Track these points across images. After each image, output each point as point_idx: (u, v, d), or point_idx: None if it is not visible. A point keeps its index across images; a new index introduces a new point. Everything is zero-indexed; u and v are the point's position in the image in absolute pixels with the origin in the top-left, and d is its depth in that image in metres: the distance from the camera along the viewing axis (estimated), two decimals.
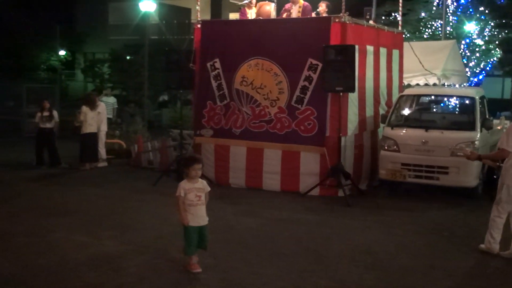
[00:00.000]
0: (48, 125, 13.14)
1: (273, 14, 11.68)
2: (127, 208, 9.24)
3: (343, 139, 10.29)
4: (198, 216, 6.22)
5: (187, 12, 32.48)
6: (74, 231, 7.73)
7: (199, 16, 12.20)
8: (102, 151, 13.56)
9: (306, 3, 11.45)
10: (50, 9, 30.61)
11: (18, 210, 8.90)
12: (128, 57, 27.65)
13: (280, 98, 10.73)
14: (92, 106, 13.03)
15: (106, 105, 15.39)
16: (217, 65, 11.25)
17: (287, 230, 8.09)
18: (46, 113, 13.11)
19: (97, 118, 13.13)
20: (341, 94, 10.11)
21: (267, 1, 11.78)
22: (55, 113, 13.39)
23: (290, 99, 10.62)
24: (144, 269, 6.27)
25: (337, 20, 10.25)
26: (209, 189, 6.31)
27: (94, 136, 13.04)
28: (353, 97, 10.52)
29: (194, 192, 6.20)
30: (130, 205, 9.47)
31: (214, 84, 11.30)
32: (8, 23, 27.88)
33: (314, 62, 10.34)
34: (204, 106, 11.44)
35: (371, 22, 11.94)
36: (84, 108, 12.89)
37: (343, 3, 10.39)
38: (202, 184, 6.31)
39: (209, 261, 6.55)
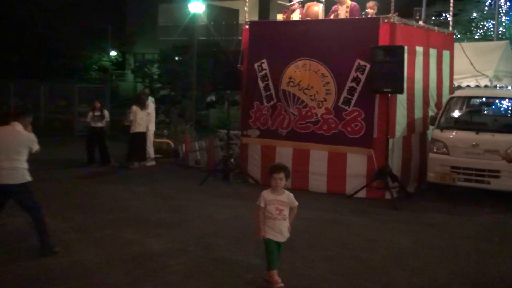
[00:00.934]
0: (99, 124, 13.43)
1: (321, 15, 11.64)
2: (174, 207, 9.36)
3: (390, 141, 10.15)
4: (276, 231, 5.66)
5: (235, 13, 32.67)
6: (122, 228, 7.87)
7: (247, 17, 12.26)
8: (151, 150, 13.78)
9: (354, 3, 11.35)
10: (102, 11, 31.29)
11: (68, 207, 9.12)
12: (176, 58, 28.00)
13: (327, 99, 10.67)
14: (142, 106, 13.25)
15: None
16: (265, 65, 11.28)
17: (333, 232, 8.04)
18: (97, 113, 13.41)
19: (146, 118, 13.35)
20: (389, 95, 9.99)
21: (315, 2, 11.74)
22: (106, 112, 13.67)
23: (337, 100, 10.55)
24: (189, 267, 6.34)
25: (386, 20, 10.13)
26: (295, 204, 5.70)
27: (143, 136, 13.26)
28: (401, 99, 10.37)
29: (276, 204, 5.63)
30: (176, 204, 9.58)
31: (261, 84, 11.33)
32: (62, 25, 28.62)
33: (362, 63, 10.24)
34: (251, 106, 11.49)
35: (420, 22, 11.75)
36: (134, 108, 13.12)
37: (392, 4, 10.26)
38: (288, 197, 5.70)
39: (255, 262, 6.56)
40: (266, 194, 5.68)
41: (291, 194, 5.69)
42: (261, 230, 5.67)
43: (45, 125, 22.10)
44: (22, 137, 6.80)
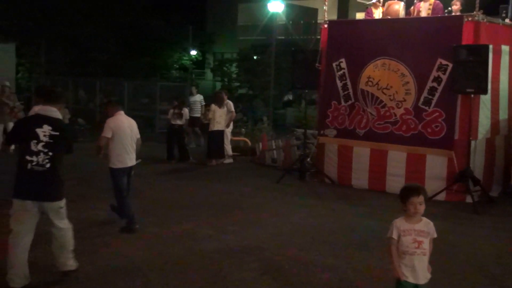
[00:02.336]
0: (178, 122, 13.76)
1: (401, 13, 11.42)
2: (250, 204, 9.46)
3: (473, 142, 9.83)
4: (416, 270, 4.50)
5: (314, 12, 32.55)
6: (200, 223, 8.04)
7: (326, 16, 12.20)
8: (228, 148, 13.97)
9: (437, 1, 11.06)
10: (183, 11, 31.98)
11: (149, 202, 9.40)
12: (255, 57, 28.23)
13: (406, 99, 10.47)
14: (220, 104, 13.45)
15: (194, 103, 16.19)
16: (343, 65, 11.20)
17: None
18: (177, 111, 13.75)
19: (225, 116, 13.54)
20: (472, 96, 9.68)
21: (396, 0, 11.54)
22: (185, 110, 13.99)
23: (417, 100, 10.34)
24: (264, 265, 6.40)
25: (469, 18, 9.82)
26: (435, 235, 4.58)
27: (221, 134, 13.46)
28: (485, 99, 10.01)
29: (413, 235, 4.50)
30: (253, 202, 9.68)
31: (339, 84, 11.27)
32: (144, 25, 29.48)
33: (444, 62, 9.98)
34: (329, 106, 11.44)
35: (507, 20, 11.29)
36: (213, 106, 13.34)
37: (477, 1, 9.92)
38: (427, 226, 4.55)
39: (330, 261, 6.55)
40: (400, 223, 4.59)
41: (431, 222, 4.59)
42: (397, 269, 4.55)
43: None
44: (135, 124, 8.02)
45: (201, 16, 36.35)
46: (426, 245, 4.52)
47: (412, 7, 11.41)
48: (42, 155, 5.30)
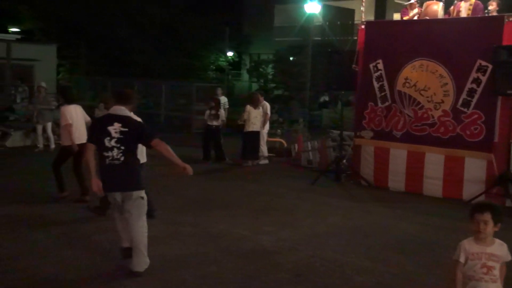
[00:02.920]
0: (214, 123, 13.85)
1: (440, 14, 11.26)
2: (285, 205, 9.46)
3: None
4: None
5: (350, 13, 32.37)
6: (235, 224, 8.08)
7: (363, 17, 12.12)
8: (264, 149, 14.00)
9: (478, 1, 10.87)
10: (219, 13, 32.16)
11: (185, 201, 9.49)
12: (291, 58, 28.21)
13: (444, 101, 10.33)
14: (256, 105, 13.49)
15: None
16: (380, 66, 11.12)
17: (448, 239, 7.75)
18: (213, 111, 13.84)
19: (260, 117, 13.57)
20: None
21: (434, 0, 11.39)
22: (221, 111, 14.07)
23: (456, 102, 10.19)
24: (300, 266, 6.39)
25: (511, 19, 9.62)
26: (509, 258, 4.11)
27: (256, 135, 13.49)
28: None
29: (483, 259, 4.03)
30: (288, 203, 9.68)
31: (376, 85, 11.18)
32: (182, 26, 29.75)
33: (484, 63, 9.81)
34: (365, 107, 11.37)
35: None
36: (248, 107, 13.38)
37: None
38: (500, 249, 4.09)
39: (366, 264, 6.51)
40: (468, 245, 4.10)
41: (505, 244, 4.13)
42: None
43: (165, 122, 23.13)
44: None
45: (237, 17, 36.48)
46: (497, 271, 4.01)
47: (452, 7, 11.24)
48: (115, 150, 5.81)
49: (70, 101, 9.32)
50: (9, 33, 23.89)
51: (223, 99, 16.19)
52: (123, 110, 6.02)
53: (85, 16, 27.77)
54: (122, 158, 5.81)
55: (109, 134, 5.80)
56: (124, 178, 5.86)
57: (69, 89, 9.44)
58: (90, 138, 6.20)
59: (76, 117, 9.21)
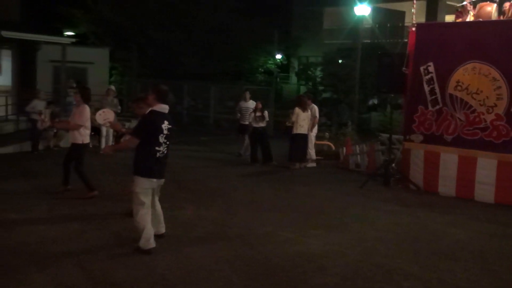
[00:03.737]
0: (261, 125, 13.90)
1: (494, 15, 11.01)
2: (333, 209, 9.42)
3: None
4: None
5: (401, 15, 31.94)
6: (282, 227, 8.09)
7: (414, 19, 11.96)
8: (312, 152, 13.97)
9: None
10: (268, 15, 32.24)
11: (233, 203, 9.57)
12: (340, 61, 28.04)
13: (498, 105, 10.09)
14: (304, 108, 13.47)
15: (246, 110, 15.21)
16: (431, 69, 10.95)
17: (500, 246, 7.59)
18: (258, 113, 13.90)
19: (308, 120, 13.54)
20: None
21: (488, 2, 11.14)
22: (265, 113, 14.13)
23: (510, 106, 9.95)
24: (347, 271, 6.35)
25: None
26: None
27: (304, 137, 13.47)
28: None
29: None
30: (335, 206, 9.64)
31: (426, 88, 11.02)
32: (231, 29, 29.98)
33: None
34: (415, 110, 11.21)
35: None
36: (297, 110, 13.37)
37: None
38: None
39: (415, 270, 6.42)
40: None
41: None
42: None
43: (214, 124, 23.37)
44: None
45: (287, 20, 36.48)
46: None
47: (506, 4, 10.91)
48: (164, 145, 6.67)
49: (88, 101, 9.65)
50: (64, 36, 24.55)
51: (252, 104, 15.33)
52: (167, 109, 6.75)
53: (137, 20, 28.31)
54: (166, 152, 6.73)
55: (162, 131, 6.59)
56: (164, 168, 6.84)
57: (88, 90, 9.78)
58: (139, 134, 6.69)
59: (88, 117, 9.67)
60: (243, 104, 15.59)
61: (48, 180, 10.74)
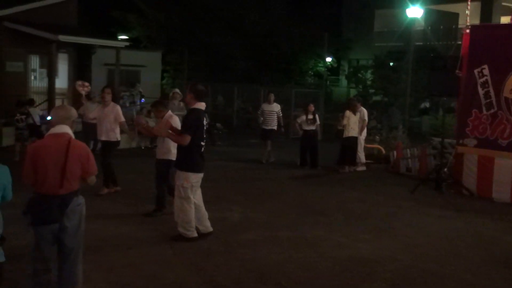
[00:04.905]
0: (311, 128, 13.86)
1: None
2: (383, 213, 9.32)
3: None
4: None
5: (454, 17, 31.32)
6: (332, 230, 8.06)
7: (468, 20, 11.72)
8: (362, 156, 13.84)
9: None
10: (319, 18, 32.18)
11: (282, 206, 9.58)
12: (391, 64, 27.71)
13: None
14: (354, 110, 13.37)
15: (269, 114, 14.51)
16: (485, 71, 10.70)
17: None
18: (310, 116, 13.85)
19: (359, 123, 13.43)
20: None
21: None
22: (317, 116, 14.06)
23: None
24: (397, 276, 6.28)
25: None
26: None
27: (355, 140, 13.37)
28: None
29: None
30: (386, 211, 9.53)
31: (480, 91, 10.78)
32: (281, 32, 30.04)
33: None
34: (469, 114, 10.98)
35: None
36: (347, 113, 13.28)
37: None
38: None
39: (467, 277, 6.30)
40: None
41: None
42: None
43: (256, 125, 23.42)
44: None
45: (337, 22, 36.31)
46: None
47: None
48: (205, 141, 7.12)
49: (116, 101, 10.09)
50: (119, 40, 25.13)
51: (276, 107, 14.59)
52: (205, 106, 7.18)
53: (188, 24, 28.71)
54: (204, 146, 7.12)
55: (203, 127, 7.09)
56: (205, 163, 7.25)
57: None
58: (189, 131, 6.98)
59: None
60: (266, 107, 14.74)
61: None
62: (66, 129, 4.93)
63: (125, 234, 7.47)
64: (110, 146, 9.82)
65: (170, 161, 8.16)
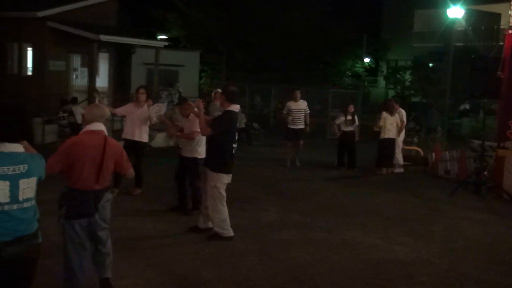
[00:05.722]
0: (350, 129, 13.76)
1: None
2: (420, 216, 9.21)
3: None
4: None
5: (496, 17, 30.68)
6: (368, 232, 8.00)
7: (511, 21, 11.48)
8: (399, 157, 13.69)
9: None
10: (358, 19, 31.98)
11: (317, 207, 9.55)
12: (430, 65, 27.34)
13: None
14: (391, 112, 13.24)
15: (297, 112, 13.68)
16: None
17: None
18: (349, 117, 13.76)
19: (396, 124, 13.29)
20: None
21: None
22: (356, 117, 13.96)
23: None
24: (434, 280, 6.20)
25: None
26: None
27: (392, 142, 13.23)
28: None
29: None
30: (423, 213, 9.41)
31: None
32: (320, 32, 29.95)
33: None
34: (510, 117, 10.76)
35: None
36: (384, 114, 13.15)
37: None
38: None
39: (507, 283, 6.21)
40: None
41: None
42: None
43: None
44: None
45: (376, 23, 36.00)
46: None
47: None
48: (236, 142, 7.23)
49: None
50: (158, 40, 25.46)
51: (304, 104, 13.83)
52: (239, 108, 7.24)
53: (227, 24, 28.87)
54: (236, 148, 7.23)
55: (236, 129, 7.23)
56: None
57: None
58: (216, 128, 7.14)
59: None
60: (293, 105, 13.77)
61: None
62: (101, 127, 5.06)
63: (162, 232, 7.55)
64: (142, 146, 9.91)
65: (196, 158, 8.26)
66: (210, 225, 7.43)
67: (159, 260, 6.39)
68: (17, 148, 3.65)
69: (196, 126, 7.85)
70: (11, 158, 3.59)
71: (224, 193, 7.19)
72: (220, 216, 7.21)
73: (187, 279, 5.89)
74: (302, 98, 14.08)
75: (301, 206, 9.51)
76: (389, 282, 6.07)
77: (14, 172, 3.57)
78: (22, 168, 3.61)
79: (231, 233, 7.26)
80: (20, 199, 3.61)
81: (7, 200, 3.55)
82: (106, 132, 5.09)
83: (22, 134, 3.69)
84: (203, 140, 8.23)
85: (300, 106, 13.78)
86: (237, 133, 7.28)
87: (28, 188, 3.65)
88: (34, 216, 3.75)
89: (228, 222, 7.25)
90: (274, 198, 10.04)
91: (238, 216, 7.84)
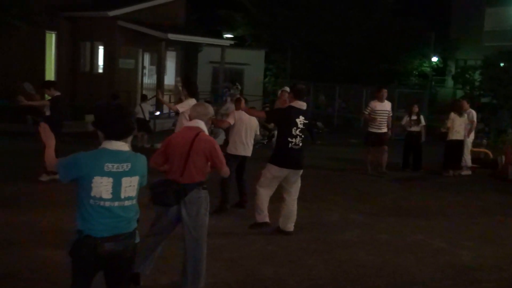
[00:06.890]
0: (415, 129, 13.51)
1: None
2: (488, 220, 8.97)
3: None
4: None
5: None
6: (433, 235, 7.86)
7: None
8: (468, 159, 13.33)
9: None
10: (425, 17, 31.30)
11: (381, 208, 9.46)
12: (501, 64, 26.46)
13: None
14: (460, 112, 12.91)
15: (381, 113, 12.24)
16: None
17: None
18: (414, 117, 13.51)
19: (464, 125, 12.94)
20: None
21: None
22: (421, 117, 13.69)
23: None
24: (501, 286, 6.05)
25: None
26: None
27: (460, 143, 12.89)
28: None
29: None
30: (491, 218, 9.15)
31: None
32: (386, 31, 29.52)
33: None
34: None
35: None
36: (452, 115, 12.83)
37: None
38: None
39: None
40: None
41: None
42: None
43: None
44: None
45: (444, 21, 35.13)
46: None
47: None
48: (298, 138, 7.17)
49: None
50: (224, 39, 25.78)
51: (389, 105, 12.53)
52: (304, 105, 7.31)
53: (292, 23, 28.89)
54: (300, 144, 7.19)
55: (296, 124, 7.13)
56: (299, 160, 7.26)
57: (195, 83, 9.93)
58: (268, 116, 7.87)
59: None
60: (378, 105, 12.25)
61: None
62: (200, 124, 5.32)
63: (224, 228, 7.64)
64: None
65: (228, 154, 8.24)
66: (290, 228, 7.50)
67: (222, 257, 6.48)
68: (122, 146, 3.78)
69: (230, 117, 8.54)
70: (116, 156, 3.71)
71: (268, 184, 7.38)
72: (257, 201, 7.54)
73: (249, 276, 5.97)
74: (367, 96, 13.88)
75: (364, 207, 9.44)
76: (453, 287, 5.96)
77: (118, 170, 3.68)
78: (126, 166, 3.72)
79: (264, 220, 7.54)
80: (122, 196, 3.72)
81: (109, 196, 3.67)
82: (204, 130, 5.31)
83: (125, 132, 3.82)
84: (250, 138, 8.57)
85: (385, 108, 12.31)
86: (298, 128, 7.16)
87: (130, 186, 3.75)
88: (134, 216, 3.85)
89: (262, 208, 7.49)
90: (337, 198, 10.01)
91: (301, 215, 7.87)
